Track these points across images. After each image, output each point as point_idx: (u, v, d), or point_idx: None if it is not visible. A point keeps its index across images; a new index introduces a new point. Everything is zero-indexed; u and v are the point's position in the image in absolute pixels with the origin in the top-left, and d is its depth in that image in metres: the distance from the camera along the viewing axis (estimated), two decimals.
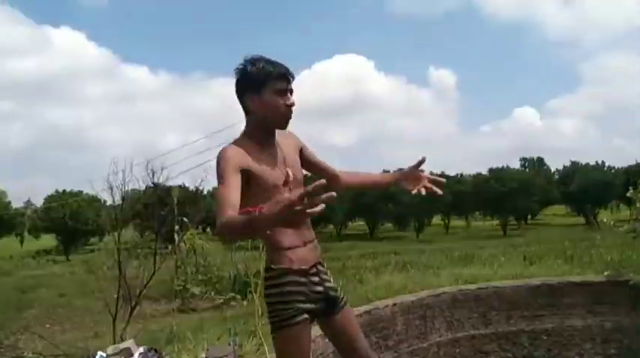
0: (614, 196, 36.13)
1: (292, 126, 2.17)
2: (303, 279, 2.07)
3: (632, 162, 41.60)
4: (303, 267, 2.07)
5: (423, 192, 2.27)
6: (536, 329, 9.04)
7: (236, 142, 2.05)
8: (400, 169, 2.43)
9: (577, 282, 9.10)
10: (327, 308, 2.14)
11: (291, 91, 2.08)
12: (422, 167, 2.31)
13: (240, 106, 2.10)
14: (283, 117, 2.07)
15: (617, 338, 8.86)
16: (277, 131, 2.14)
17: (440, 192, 2.28)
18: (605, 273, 9.34)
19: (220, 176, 1.93)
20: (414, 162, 2.29)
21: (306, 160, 2.26)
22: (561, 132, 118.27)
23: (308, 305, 2.06)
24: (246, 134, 2.10)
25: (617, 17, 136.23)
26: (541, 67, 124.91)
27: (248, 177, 1.97)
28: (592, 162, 43.99)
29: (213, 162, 2.01)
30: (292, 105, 2.07)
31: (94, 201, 28.91)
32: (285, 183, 2.06)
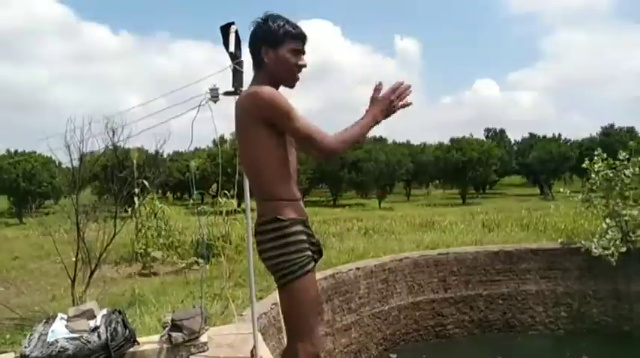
0: (568, 168, 37.35)
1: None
2: (307, 229, 2.18)
3: (586, 136, 43.16)
4: (304, 218, 2.19)
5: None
6: (493, 294, 9.44)
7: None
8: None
9: (533, 249, 9.52)
10: (315, 261, 2.24)
11: (305, 53, 2.20)
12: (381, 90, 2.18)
13: (251, 58, 2.19)
14: (293, 75, 2.19)
15: (568, 302, 9.38)
16: None
17: (410, 102, 2.19)
18: (559, 241, 9.78)
19: (289, 110, 2.04)
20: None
21: None
22: (520, 104, 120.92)
23: (312, 254, 2.15)
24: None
25: None
26: (503, 40, 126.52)
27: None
28: (549, 135, 45.40)
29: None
30: (303, 66, 2.19)
31: (48, 162, 27.82)
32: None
